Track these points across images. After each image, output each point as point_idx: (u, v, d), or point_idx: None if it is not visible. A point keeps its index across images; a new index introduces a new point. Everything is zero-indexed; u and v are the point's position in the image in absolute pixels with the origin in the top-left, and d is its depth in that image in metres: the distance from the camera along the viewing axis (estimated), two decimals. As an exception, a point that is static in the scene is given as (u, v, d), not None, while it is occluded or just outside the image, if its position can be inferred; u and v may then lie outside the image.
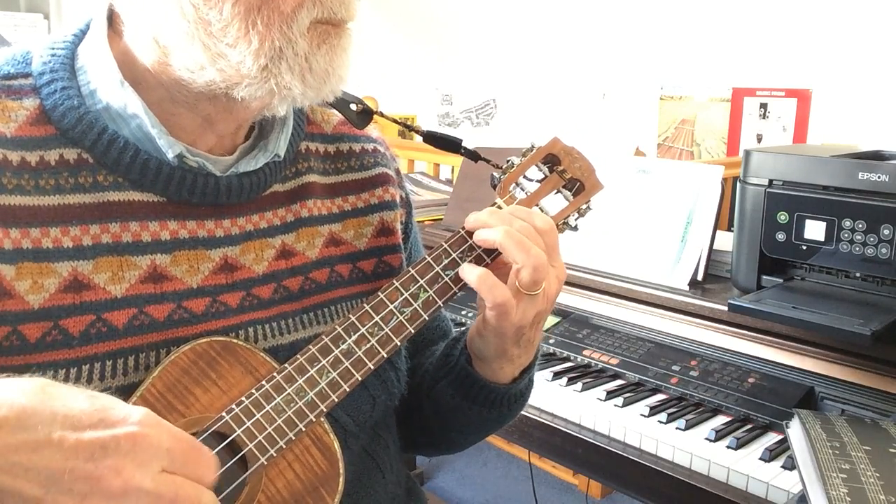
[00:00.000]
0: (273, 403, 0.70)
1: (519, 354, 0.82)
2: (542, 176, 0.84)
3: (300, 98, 0.71)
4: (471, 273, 0.76)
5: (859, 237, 1.22)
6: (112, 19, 0.74)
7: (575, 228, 0.87)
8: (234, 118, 0.75)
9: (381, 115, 0.91)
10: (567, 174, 0.85)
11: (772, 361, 1.30)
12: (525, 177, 0.84)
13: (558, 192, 0.85)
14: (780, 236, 1.30)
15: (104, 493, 0.51)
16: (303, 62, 0.68)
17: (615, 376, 1.41)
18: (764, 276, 1.36)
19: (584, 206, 0.86)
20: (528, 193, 0.83)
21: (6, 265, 0.65)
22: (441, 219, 2.08)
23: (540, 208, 0.84)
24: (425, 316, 0.77)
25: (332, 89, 0.72)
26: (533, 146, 0.85)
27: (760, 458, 1.12)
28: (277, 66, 0.68)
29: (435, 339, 0.98)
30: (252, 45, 0.67)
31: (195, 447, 0.57)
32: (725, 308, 1.33)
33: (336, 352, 0.73)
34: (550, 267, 0.76)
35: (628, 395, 1.33)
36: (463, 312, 1.67)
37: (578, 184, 0.85)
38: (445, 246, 0.79)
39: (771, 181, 1.31)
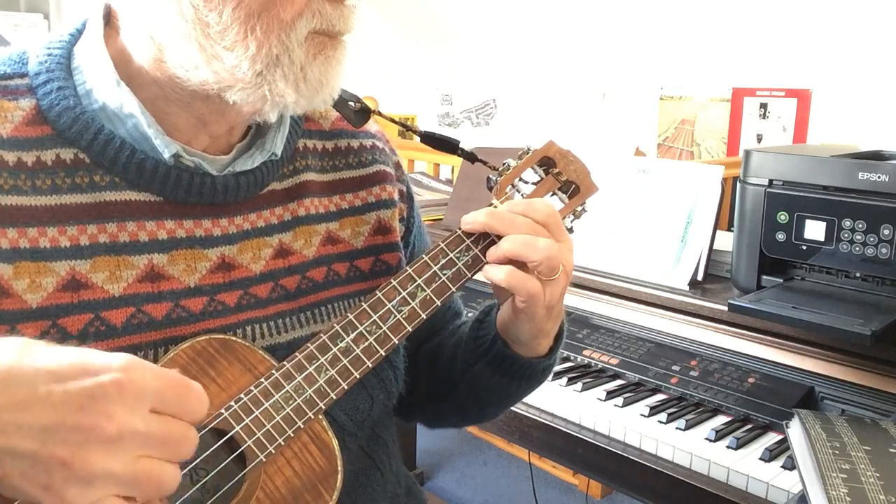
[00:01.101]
0: (272, 401, 0.70)
1: (552, 328, 0.85)
2: (538, 178, 0.85)
3: (292, 106, 0.71)
4: (499, 273, 0.76)
5: (859, 237, 1.22)
6: (109, 17, 0.74)
7: (570, 230, 0.87)
8: (226, 120, 0.75)
9: (379, 114, 0.91)
10: (562, 177, 0.85)
11: (772, 361, 1.30)
12: (521, 179, 0.84)
13: (554, 194, 0.85)
14: (780, 236, 1.30)
15: (99, 439, 0.51)
16: (298, 71, 0.69)
17: (615, 376, 1.41)
18: (764, 276, 1.35)
19: (579, 209, 0.86)
20: (524, 195, 0.84)
21: (4, 264, 0.65)
22: (441, 219, 2.08)
23: None
24: (423, 315, 0.77)
25: (324, 99, 0.73)
26: (528, 149, 0.85)
27: (760, 458, 1.12)
28: (272, 73, 0.68)
29: (448, 319, 1.00)
30: (249, 50, 0.67)
31: (183, 384, 0.57)
32: (725, 308, 1.33)
33: (334, 350, 0.73)
34: (560, 245, 0.77)
35: (628, 395, 1.33)
36: (463, 312, 1.67)
37: (574, 186, 0.85)
38: (442, 245, 0.79)
39: (771, 181, 1.31)
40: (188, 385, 0.57)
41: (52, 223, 0.68)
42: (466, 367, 0.89)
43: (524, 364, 0.86)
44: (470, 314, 1.64)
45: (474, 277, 0.80)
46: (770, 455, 1.12)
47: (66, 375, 0.52)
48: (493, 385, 0.88)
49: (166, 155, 0.71)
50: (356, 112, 0.86)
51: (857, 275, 1.28)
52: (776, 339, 1.30)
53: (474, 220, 0.78)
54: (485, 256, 0.79)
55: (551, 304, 0.79)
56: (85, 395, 0.51)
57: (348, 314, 0.75)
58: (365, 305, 0.75)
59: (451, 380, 0.92)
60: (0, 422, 0.50)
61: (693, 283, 1.49)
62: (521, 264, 0.77)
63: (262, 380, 0.70)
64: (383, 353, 0.75)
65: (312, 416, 0.71)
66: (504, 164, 0.84)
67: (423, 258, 0.78)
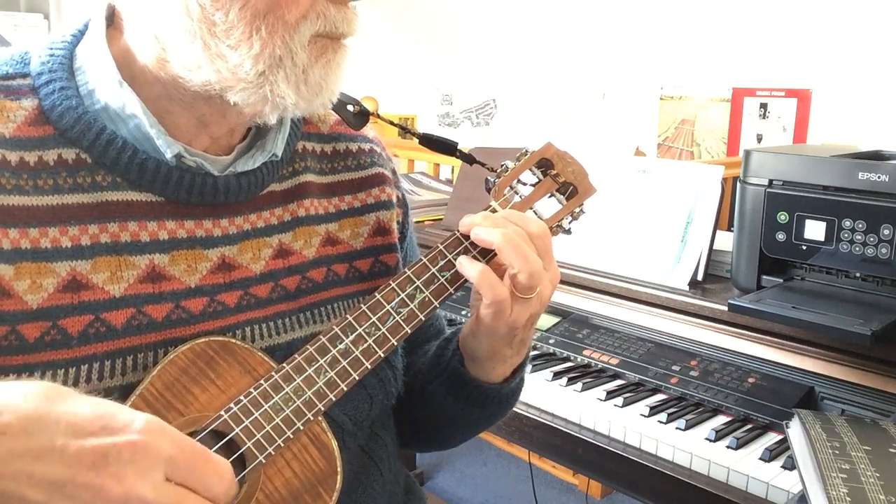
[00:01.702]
0: (271, 402, 0.70)
1: (511, 355, 0.83)
2: (536, 180, 0.85)
3: (292, 108, 0.71)
4: (471, 269, 0.76)
5: (859, 237, 1.22)
6: (113, 18, 0.74)
7: (568, 232, 0.87)
8: (226, 122, 0.75)
9: (378, 116, 0.91)
10: (560, 178, 0.85)
11: (772, 361, 1.29)
12: (519, 180, 0.84)
13: (552, 195, 0.85)
14: (780, 236, 1.30)
15: (105, 501, 0.50)
16: (300, 73, 0.69)
17: (615, 376, 1.41)
18: (764, 276, 1.35)
19: (577, 210, 0.86)
20: (523, 197, 0.84)
21: (4, 265, 0.65)
22: (441, 219, 2.08)
23: (534, 211, 0.84)
24: (421, 316, 0.77)
25: (323, 102, 0.73)
26: (526, 150, 0.85)
27: (760, 458, 1.12)
28: (275, 74, 0.68)
29: (430, 336, 0.99)
30: (253, 49, 0.67)
31: (202, 457, 0.55)
32: (725, 308, 1.33)
33: (333, 351, 0.73)
34: (544, 271, 0.76)
35: (628, 395, 1.33)
36: (463, 313, 1.67)
37: (572, 188, 0.86)
38: (441, 247, 0.79)
39: (771, 181, 1.31)
40: (207, 457, 0.56)
41: (53, 223, 0.68)
42: (425, 384, 0.89)
43: (475, 386, 0.85)
44: (470, 315, 1.64)
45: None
46: (770, 455, 1.12)
47: (84, 430, 0.51)
48: (445, 407, 0.88)
49: (168, 155, 0.71)
50: (355, 115, 0.86)
51: (857, 275, 1.28)
52: (776, 339, 1.30)
53: (471, 222, 0.78)
54: (483, 258, 0.79)
55: (515, 326, 0.77)
56: (98, 454, 0.51)
57: (347, 316, 0.75)
58: (364, 307, 0.76)
59: (412, 398, 0.92)
60: (13, 468, 0.50)
61: (693, 283, 1.49)
62: (498, 275, 0.76)
63: (262, 382, 0.70)
64: (382, 355, 0.75)
65: (311, 418, 0.71)
66: (502, 165, 0.84)
67: (421, 260, 0.78)
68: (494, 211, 0.81)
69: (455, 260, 0.78)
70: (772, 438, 1.18)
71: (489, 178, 0.84)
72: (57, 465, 0.50)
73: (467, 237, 0.79)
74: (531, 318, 0.79)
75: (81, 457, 0.50)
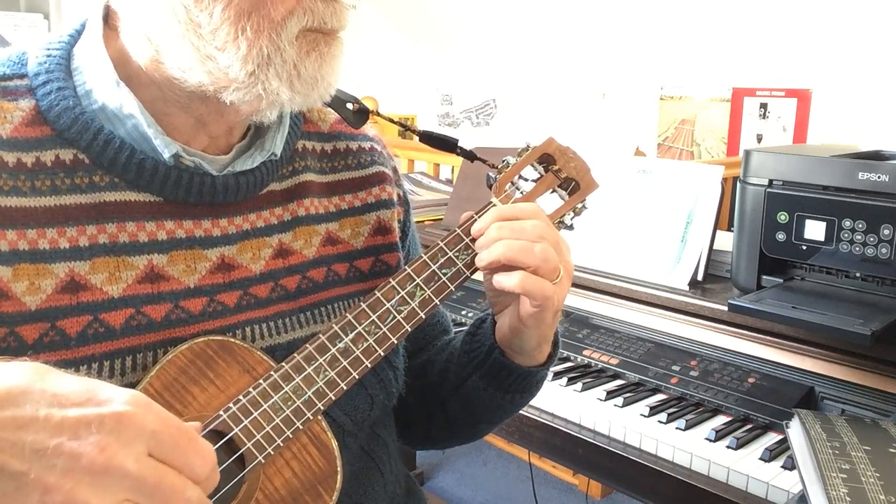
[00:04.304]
0: (271, 402, 0.70)
1: (553, 332, 0.84)
2: (538, 175, 0.85)
3: (288, 103, 0.71)
4: (510, 280, 0.75)
5: (859, 237, 1.22)
6: (108, 17, 0.74)
7: (570, 227, 0.87)
8: (224, 120, 0.75)
9: (378, 114, 0.90)
10: (562, 174, 0.85)
11: (772, 361, 1.29)
12: (521, 176, 0.84)
13: (554, 191, 0.85)
14: (780, 236, 1.30)
15: (86, 469, 0.50)
16: (291, 69, 0.68)
17: (615, 376, 1.41)
18: (764, 276, 1.35)
19: (579, 205, 0.86)
20: (524, 193, 0.83)
21: (2, 266, 0.65)
22: (441, 219, 2.08)
23: None
24: (422, 314, 0.77)
25: (321, 95, 0.72)
26: (528, 146, 0.85)
27: (760, 458, 1.12)
28: (265, 73, 0.68)
29: (436, 334, 0.99)
30: (240, 50, 0.67)
31: (186, 435, 0.55)
32: (725, 308, 1.33)
33: (333, 350, 0.73)
34: (558, 251, 0.76)
35: (628, 395, 1.33)
36: (463, 312, 1.67)
37: (574, 183, 0.85)
38: (442, 245, 0.79)
39: (771, 181, 1.31)
40: (191, 436, 0.55)
41: (51, 224, 0.68)
42: (459, 382, 0.89)
43: (522, 374, 0.85)
44: (470, 315, 1.64)
45: (473, 277, 0.80)
46: (770, 455, 1.12)
47: (69, 401, 0.51)
48: (486, 399, 0.87)
49: (166, 155, 0.71)
50: (355, 113, 0.86)
51: (857, 275, 1.28)
52: (776, 339, 1.30)
53: (483, 223, 0.77)
54: None
55: (558, 308, 0.78)
56: (82, 423, 0.50)
57: (347, 315, 0.75)
58: (364, 305, 0.75)
59: (442, 396, 0.91)
60: None
61: (693, 283, 1.49)
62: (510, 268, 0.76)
63: (261, 381, 0.70)
64: (382, 354, 0.75)
65: (311, 418, 0.71)
66: (503, 161, 0.84)
67: (422, 257, 0.78)
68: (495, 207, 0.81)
69: (455, 257, 0.78)
70: (772, 438, 1.18)
71: (490, 174, 0.84)
72: (40, 435, 0.50)
73: (468, 234, 0.79)
74: (566, 292, 0.80)
75: (64, 426, 0.50)
